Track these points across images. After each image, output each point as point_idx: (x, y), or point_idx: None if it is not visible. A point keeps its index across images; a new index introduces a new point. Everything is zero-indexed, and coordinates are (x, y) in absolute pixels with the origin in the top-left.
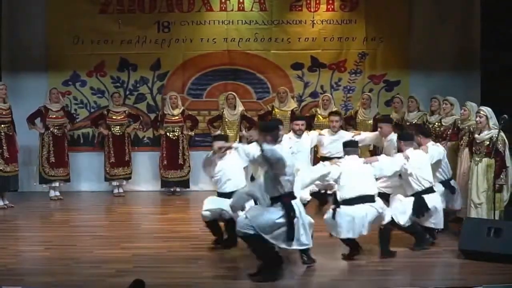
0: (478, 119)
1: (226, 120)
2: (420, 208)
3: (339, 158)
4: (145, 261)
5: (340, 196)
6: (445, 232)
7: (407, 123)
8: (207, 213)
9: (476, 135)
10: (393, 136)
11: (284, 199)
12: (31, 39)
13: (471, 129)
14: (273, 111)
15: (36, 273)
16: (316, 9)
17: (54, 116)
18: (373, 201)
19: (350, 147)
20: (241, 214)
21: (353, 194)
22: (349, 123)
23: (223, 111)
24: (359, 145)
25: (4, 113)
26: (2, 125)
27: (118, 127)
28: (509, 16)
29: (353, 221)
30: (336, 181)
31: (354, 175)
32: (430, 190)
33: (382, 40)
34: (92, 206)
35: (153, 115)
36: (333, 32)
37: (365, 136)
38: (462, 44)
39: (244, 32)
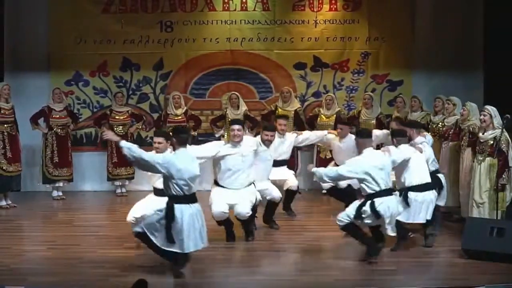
0: (482, 117)
1: (230, 120)
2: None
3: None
4: (148, 260)
5: (408, 182)
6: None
7: None
8: (133, 219)
9: (480, 134)
10: (350, 137)
11: (169, 202)
12: (33, 39)
13: (471, 129)
14: (277, 111)
15: (39, 273)
16: (319, 9)
17: (57, 116)
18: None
19: (400, 136)
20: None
21: (420, 181)
22: (353, 122)
23: (227, 111)
24: (304, 143)
25: (7, 113)
26: (5, 125)
27: (121, 127)
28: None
29: (425, 205)
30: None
31: (418, 162)
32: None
33: (384, 40)
34: (95, 206)
35: (156, 115)
36: (335, 32)
37: (309, 135)
38: (465, 44)
39: (246, 32)
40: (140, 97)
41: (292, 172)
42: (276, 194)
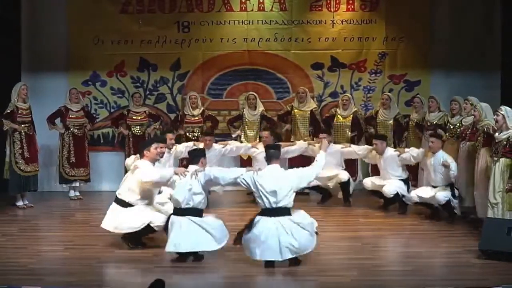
0: (495, 117)
1: (247, 120)
2: None
3: None
4: (165, 260)
5: None
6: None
7: (428, 124)
8: None
9: (496, 135)
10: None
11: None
12: (51, 39)
13: (485, 129)
14: (292, 111)
15: (56, 273)
16: (336, 9)
17: (74, 116)
18: None
19: None
20: None
21: None
22: (370, 123)
23: (244, 111)
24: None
25: (24, 113)
26: (23, 125)
27: (138, 127)
28: None
29: None
30: None
31: None
32: None
33: (402, 40)
34: None
35: (173, 115)
36: (353, 32)
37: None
38: (483, 44)
39: (264, 32)
40: (157, 98)
41: None
42: None
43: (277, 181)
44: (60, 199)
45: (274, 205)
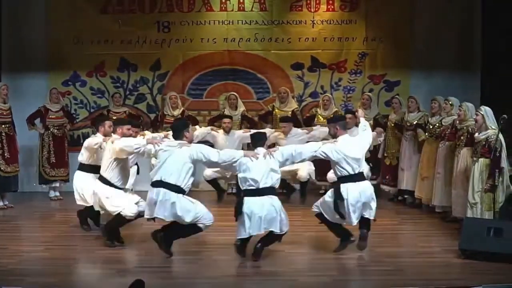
0: (474, 117)
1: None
2: None
3: None
4: (145, 261)
5: None
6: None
7: (408, 124)
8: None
9: (476, 135)
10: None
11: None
12: (31, 39)
13: (469, 129)
14: (274, 111)
15: (37, 273)
16: (316, 9)
17: (54, 116)
18: None
19: None
20: None
21: None
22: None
23: (224, 111)
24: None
25: (4, 113)
26: (3, 125)
27: None
28: (510, 16)
29: None
30: None
31: None
32: None
33: (382, 40)
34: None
35: (153, 116)
36: (333, 32)
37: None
38: (463, 45)
39: (244, 32)
40: (137, 98)
41: None
42: None
43: (357, 148)
44: (40, 199)
45: (356, 171)
